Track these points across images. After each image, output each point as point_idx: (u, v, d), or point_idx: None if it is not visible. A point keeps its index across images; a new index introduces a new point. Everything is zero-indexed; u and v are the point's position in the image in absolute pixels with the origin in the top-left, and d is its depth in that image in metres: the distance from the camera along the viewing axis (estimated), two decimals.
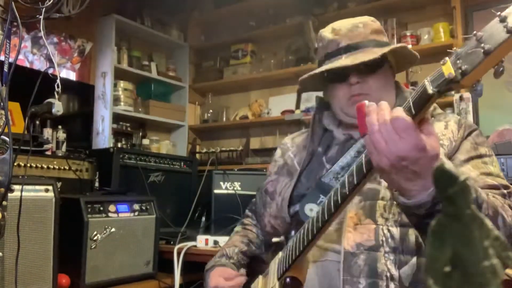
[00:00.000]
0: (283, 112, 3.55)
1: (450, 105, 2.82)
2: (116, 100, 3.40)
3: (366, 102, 0.76)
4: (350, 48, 1.04)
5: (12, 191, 1.30)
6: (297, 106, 3.56)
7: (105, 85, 3.33)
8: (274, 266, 1.04)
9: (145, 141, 3.62)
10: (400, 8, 3.19)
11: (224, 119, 3.95)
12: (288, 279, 0.96)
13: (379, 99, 0.99)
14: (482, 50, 0.60)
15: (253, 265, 1.19)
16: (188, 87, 3.98)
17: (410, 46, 3.01)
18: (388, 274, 0.90)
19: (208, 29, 4.16)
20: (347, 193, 0.79)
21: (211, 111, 4.01)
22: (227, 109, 3.98)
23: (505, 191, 0.91)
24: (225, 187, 2.33)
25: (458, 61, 0.63)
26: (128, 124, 3.58)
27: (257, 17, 3.81)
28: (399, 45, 1.05)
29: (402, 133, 0.69)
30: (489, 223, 0.47)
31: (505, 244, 0.46)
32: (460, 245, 0.46)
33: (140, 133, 3.66)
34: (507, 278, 1.19)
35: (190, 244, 2.01)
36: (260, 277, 1.11)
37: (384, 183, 0.94)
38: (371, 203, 0.96)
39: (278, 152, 1.28)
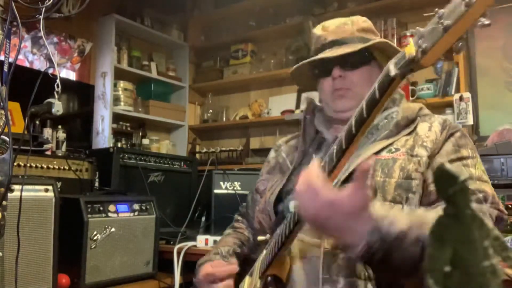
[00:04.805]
0: (283, 112, 3.55)
1: (450, 105, 2.82)
2: (116, 100, 3.40)
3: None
4: (335, 43, 1.07)
5: (12, 191, 1.30)
6: (297, 106, 3.56)
7: (105, 85, 3.33)
8: (258, 264, 1.04)
9: (145, 141, 3.62)
10: (400, 8, 3.19)
11: (224, 119, 3.95)
12: (269, 278, 0.97)
13: (361, 94, 1.02)
14: (442, 27, 0.58)
15: (246, 267, 1.19)
16: (188, 87, 3.97)
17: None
18: (366, 274, 0.90)
19: (208, 29, 4.16)
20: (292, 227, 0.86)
21: (211, 111, 4.01)
22: (227, 109, 3.98)
23: (480, 196, 0.90)
24: (225, 187, 2.33)
25: (420, 41, 0.62)
26: (128, 124, 3.58)
27: (257, 17, 3.81)
28: (379, 40, 1.06)
29: (313, 190, 0.74)
30: (489, 223, 0.47)
31: (505, 244, 0.46)
32: (460, 245, 0.46)
33: (140, 133, 3.66)
34: (507, 278, 1.19)
35: (190, 244, 2.01)
36: (247, 276, 1.12)
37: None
38: None
39: (272, 153, 1.31)
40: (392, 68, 0.67)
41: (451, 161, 0.95)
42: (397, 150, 0.98)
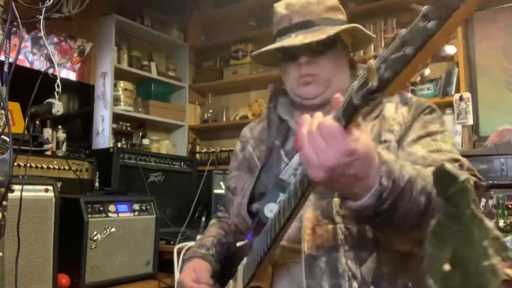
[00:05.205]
0: None
1: (450, 105, 2.82)
2: (116, 100, 3.40)
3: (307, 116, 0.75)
4: (302, 26, 1.01)
5: (12, 191, 1.30)
6: None
7: (105, 85, 3.33)
8: (240, 272, 1.02)
9: (145, 141, 3.62)
10: (400, 8, 3.18)
11: (224, 119, 3.95)
12: None
13: (328, 79, 1.01)
14: (403, 54, 0.53)
15: (236, 261, 1.15)
16: (188, 87, 3.97)
17: None
18: (350, 273, 0.88)
19: (208, 29, 4.16)
20: (293, 207, 0.79)
21: (211, 111, 4.02)
22: (227, 109, 3.98)
23: (456, 164, 0.87)
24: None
25: (382, 65, 0.56)
26: (128, 124, 3.59)
27: (257, 17, 3.81)
28: (350, 25, 1.01)
29: (329, 140, 0.66)
30: (489, 223, 0.47)
31: (505, 244, 0.46)
32: (460, 245, 0.46)
33: (140, 133, 3.66)
34: (507, 278, 1.19)
35: (190, 244, 2.01)
36: (231, 281, 1.09)
37: None
38: (327, 201, 0.93)
39: (238, 146, 1.24)
40: (354, 96, 0.62)
41: (420, 137, 0.93)
42: None
